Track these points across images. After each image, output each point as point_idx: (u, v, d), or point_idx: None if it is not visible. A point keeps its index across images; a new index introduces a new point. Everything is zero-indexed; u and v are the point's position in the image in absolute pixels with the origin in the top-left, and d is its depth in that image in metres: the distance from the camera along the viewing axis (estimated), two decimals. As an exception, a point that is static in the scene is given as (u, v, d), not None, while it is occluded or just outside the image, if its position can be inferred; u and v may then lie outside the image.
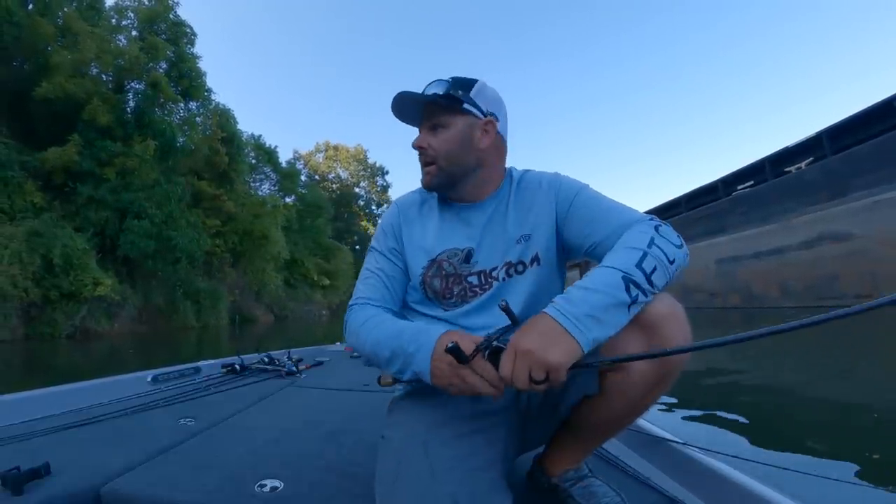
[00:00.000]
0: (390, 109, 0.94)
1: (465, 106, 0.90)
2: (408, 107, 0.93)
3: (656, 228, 0.78)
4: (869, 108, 11.52)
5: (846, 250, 10.84)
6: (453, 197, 0.96)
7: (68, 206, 15.54)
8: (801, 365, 4.95)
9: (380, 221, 1.08)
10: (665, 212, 19.60)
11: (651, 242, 0.73)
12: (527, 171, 1.00)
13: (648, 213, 0.84)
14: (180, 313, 18.02)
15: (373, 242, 1.03)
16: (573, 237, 0.89)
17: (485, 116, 0.92)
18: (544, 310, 0.68)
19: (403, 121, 0.97)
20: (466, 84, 0.92)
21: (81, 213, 15.56)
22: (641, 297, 0.68)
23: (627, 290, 0.67)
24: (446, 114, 0.91)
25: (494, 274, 0.91)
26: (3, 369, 7.64)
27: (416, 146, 0.93)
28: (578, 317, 0.65)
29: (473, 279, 0.92)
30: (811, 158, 12.87)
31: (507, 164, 1.01)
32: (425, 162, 0.93)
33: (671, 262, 0.73)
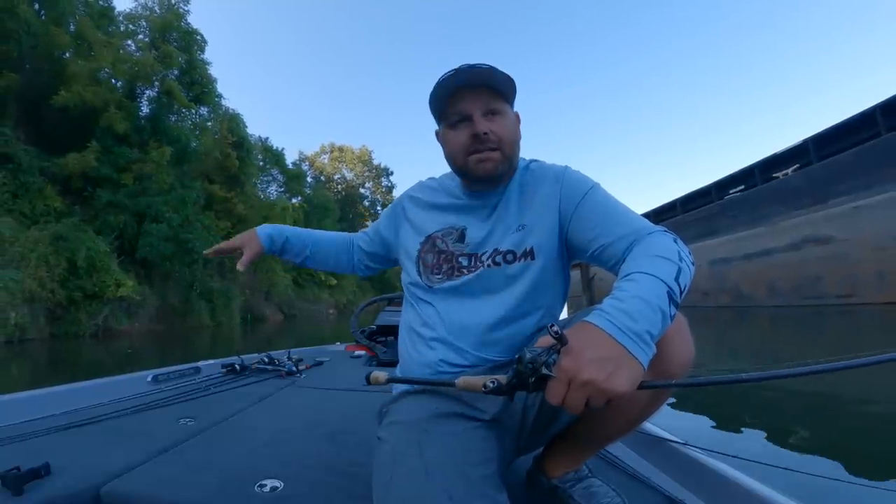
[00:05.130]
0: (436, 87, 0.87)
1: (513, 96, 0.89)
2: (466, 84, 0.85)
3: (675, 241, 0.73)
4: (853, 117, 12.01)
5: (828, 253, 11.37)
6: (489, 188, 0.92)
7: (88, 211, 16.08)
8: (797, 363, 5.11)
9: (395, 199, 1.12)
10: (661, 214, 20.10)
11: (680, 257, 0.69)
12: (533, 161, 0.96)
13: (645, 215, 0.87)
14: (195, 313, 18.57)
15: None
16: (579, 237, 0.84)
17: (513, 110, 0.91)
18: (595, 322, 0.60)
19: (436, 103, 0.90)
20: None
21: (101, 217, 16.14)
22: (672, 315, 0.64)
23: (669, 305, 0.63)
24: (502, 100, 0.87)
25: (483, 258, 0.89)
26: (33, 366, 8.06)
27: (483, 130, 0.84)
28: (640, 334, 0.58)
29: (464, 260, 0.91)
30: (797, 165, 13.40)
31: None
32: (489, 148, 0.85)
33: (689, 281, 0.70)
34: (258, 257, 1.12)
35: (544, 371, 0.60)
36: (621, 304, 0.61)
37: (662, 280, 0.64)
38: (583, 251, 0.85)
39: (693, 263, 0.72)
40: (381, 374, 0.80)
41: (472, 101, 0.85)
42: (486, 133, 0.84)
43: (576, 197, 0.86)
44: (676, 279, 0.66)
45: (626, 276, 0.68)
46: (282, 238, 1.14)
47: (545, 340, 0.61)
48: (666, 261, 0.68)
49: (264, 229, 1.14)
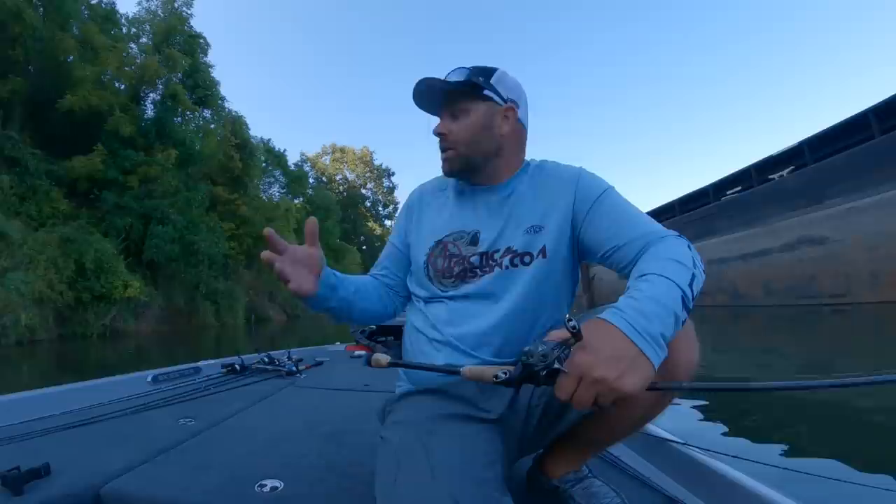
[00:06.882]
0: (412, 98, 0.94)
1: (486, 92, 0.90)
2: (428, 94, 0.93)
3: (689, 247, 0.74)
4: (847, 119, 12.20)
5: (823, 253, 11.51)
6: (473, 180, 0.95)
7: (94, 213, 16.28)
8: (798, 365, 5.02)
9: (403, 202, 1.12)
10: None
11: (694, 263, 0.70)
12: (545, 161, 0.98)
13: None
14: (200, 313, 18.84)
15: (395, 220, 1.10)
16: (591, 239, 0.85)
17: (505, 103, 0.91)
18: (610, 319, 0.60)
19: (423, 108, 0.96)
20: (487, 71, 0.91)
21: (107, 220, 16.36)
22: (684, 320, 0.64)
23: (682, 309, 0.63)
24: (467, 100, 0.91)
25: (497, 258, 0.89)
26: (42, 367, 8.21)
27: (437, 132, 0.92)
28: (654, 336, 0.59)
29: (475, 259, 0.90)
30: (793, 167, 13.58)
31: (527, 156, 0.99)
32: (444, 147, 0.92)
33: (701, 287, 0.69)
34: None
35: (556, 365, 0.59)
36: (637, 303, 0.62)
37: (678, 284, 0.65)
38: (594, 253, 0.85)
39: (704, 271, 0.72)
40: (382, 357, 0.78)
41: (440, 107, 0.94)
42: (440, 134, 0.92)
43: (590, 199, 0.86)
44: (690, 285, 0.66)
45: (642, 275, 0.68)
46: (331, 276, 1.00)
47: (558, 334, 0.61)
48: (681, 265, 0.68)
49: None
